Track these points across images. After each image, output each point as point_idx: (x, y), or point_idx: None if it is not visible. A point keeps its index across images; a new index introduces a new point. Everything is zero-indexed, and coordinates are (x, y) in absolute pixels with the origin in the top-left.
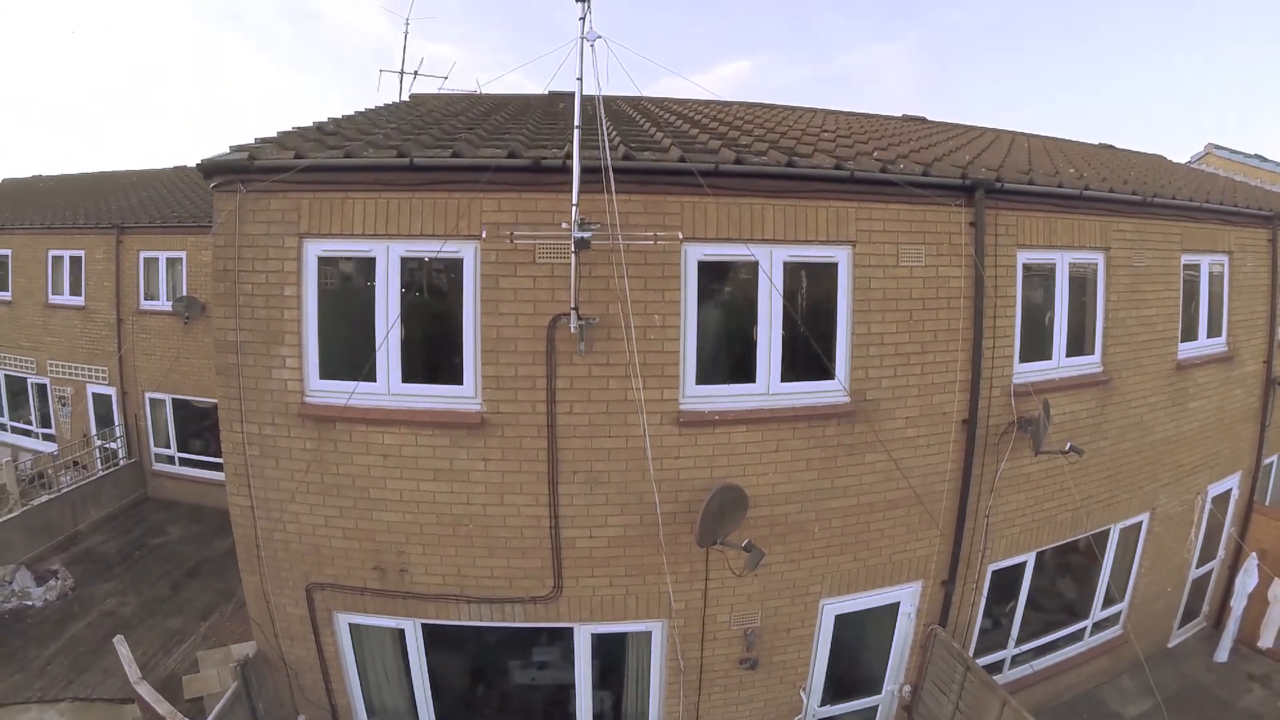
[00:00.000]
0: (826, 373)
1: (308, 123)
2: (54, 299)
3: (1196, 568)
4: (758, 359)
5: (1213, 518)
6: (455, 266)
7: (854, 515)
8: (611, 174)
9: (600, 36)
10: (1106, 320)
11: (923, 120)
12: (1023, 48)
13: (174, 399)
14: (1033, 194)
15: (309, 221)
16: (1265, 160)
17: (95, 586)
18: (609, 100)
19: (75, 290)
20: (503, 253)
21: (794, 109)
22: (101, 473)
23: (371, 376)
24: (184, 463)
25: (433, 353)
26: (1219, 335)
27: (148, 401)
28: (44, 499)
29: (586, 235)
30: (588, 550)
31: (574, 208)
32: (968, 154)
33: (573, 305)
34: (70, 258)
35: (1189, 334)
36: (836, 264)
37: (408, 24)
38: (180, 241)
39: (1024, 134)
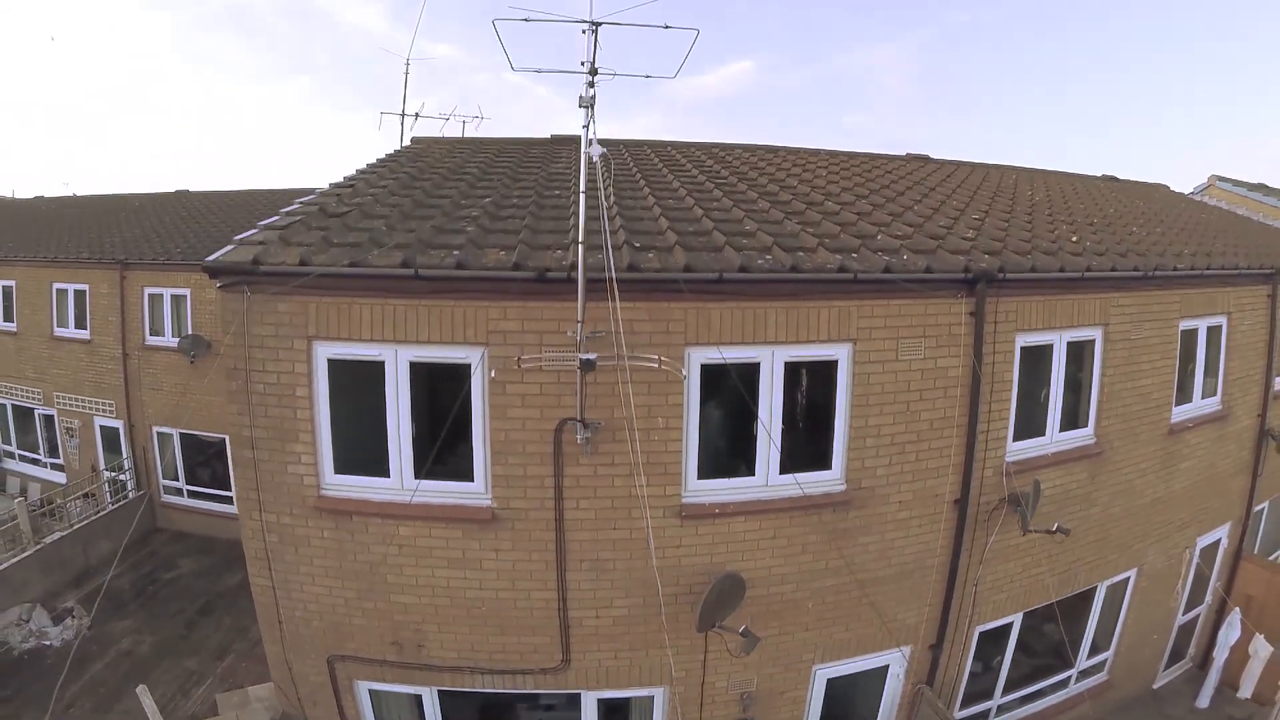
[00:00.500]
0: (824, 463)
1: (317, 179)
2: (59, 331)
3: (1183, 614)
4: (757, 453)
5: (1204, 558)
6: (464, 371)
7: (846, 591)
8: (616, 285)
9: (604, 151)
10: (1101, 393)
11: (925, 159)
12: (1022, 49)
13: (181, 433)
14: (1035, 281)
15: (317, 325)
16: (1269, 192)
17: (111, 625)
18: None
19: (80, 324)
20: (510, 359)
21: (795, 151)
22: (112, 506)
23: (385, 473)
24: (193, 495)
25: (444, 450)
26: (1214, 395)
27: (155, 435)
28: (56, 536)
29: (592, 358)
30: (594, 628)
31: (580, 325)
32: (971, 224)
33: (579, 419)
34: (74, 291)
35: (1184, 396)
36: (836, 361)
37: (408, 64)
38: (184, 279)
39: (1026, 170)
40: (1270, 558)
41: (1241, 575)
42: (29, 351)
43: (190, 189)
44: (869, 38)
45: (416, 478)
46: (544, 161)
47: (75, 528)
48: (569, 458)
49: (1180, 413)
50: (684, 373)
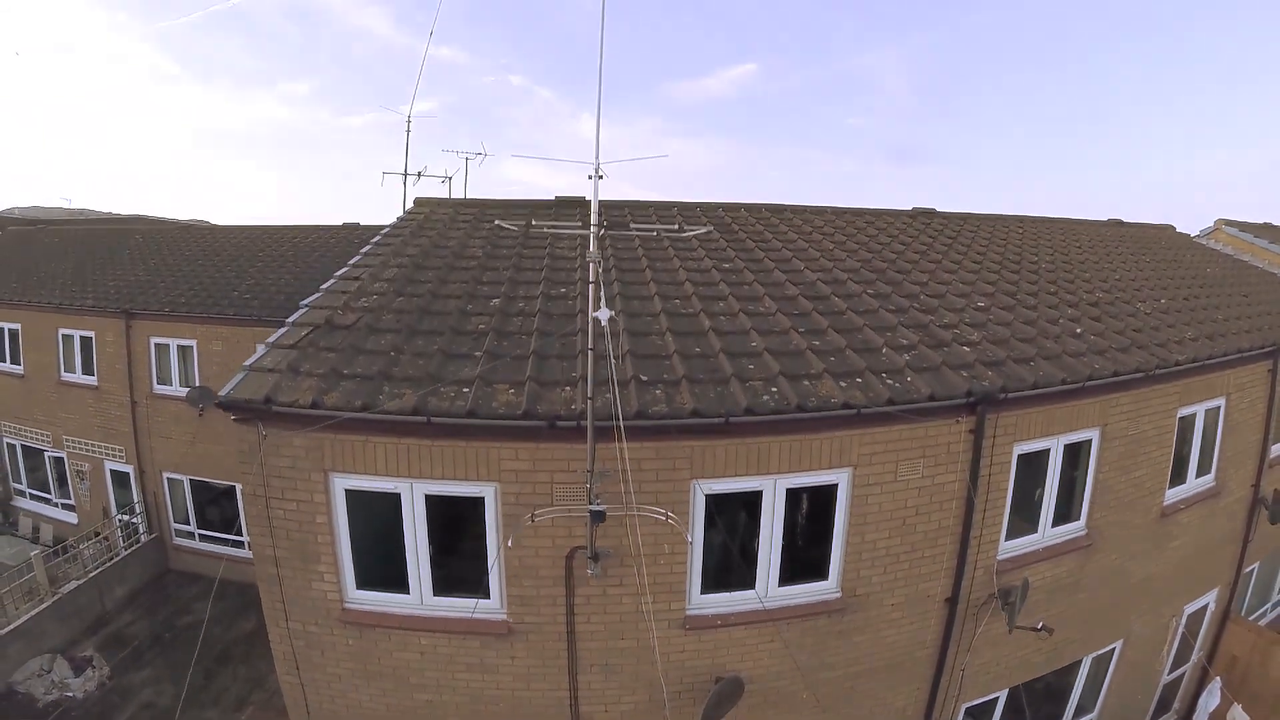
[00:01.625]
0: (821, 573)
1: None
2: (66, 376)
3: (1169, 673)
4: (758, 569)
5: (1191, 622)
6: (478, 502)
7: (840, 683)
8: (624, 431)
9: (612, 314)
10: (1095, 488)
11: (930, 215)
12: (1023, 51)
13: (192, 480)
14: (1035, 397)
15: (333, 460)
16: (1275, 239)
17: (131, 675)
18: (608, 208)
19: (88, 370)
20: (523, 495)
21: (801, 212)
22: (125, 551)
23: (405, 589)
24: (204, 538)
25: (461, 569)
26: (1208, 472)
27: (166, 481)
28: (72, 585)
29: (602, 509)
30: None
31: (590, 475)
32: (975, 317)
33: (590, 554)
34: (80, 337)
35: (1177, 477)
36: (836, 485)
37: (409, 122)
38: (190, 330)
39: (1031, 221)
40: (1260, 610)
41: (1227, 636)
42: (37, 394)
43: (200, 219)
44: (871, 41)
45: (435, 595)
46: (550, 241)
47: (91, 575)
48: (580, 579)
49: (1173, 495)
50: (689, 534)
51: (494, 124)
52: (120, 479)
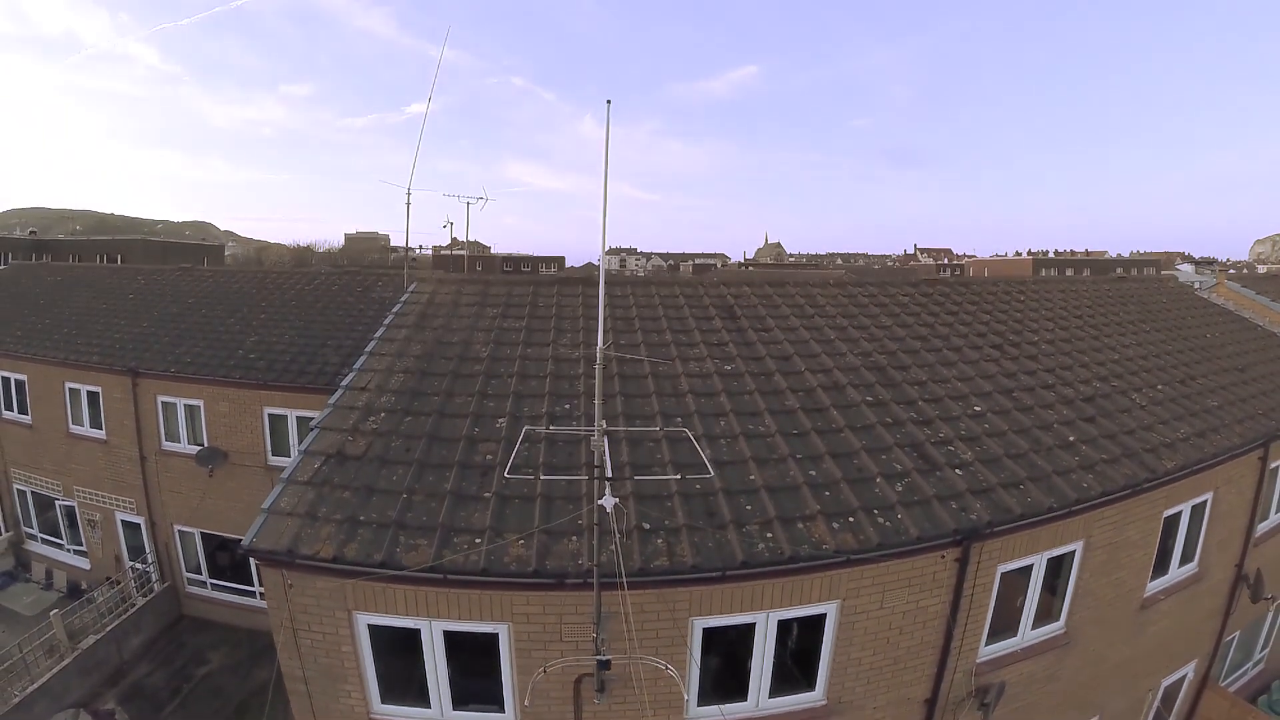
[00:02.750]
0: (809, 684)
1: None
2: (75, 429)
3: None
4: (750, 683)
5: (1169, 690)
6: (493, 637)
7: None
8: (627, 583)
9: (616, 501)
10: (1076, 592)
11: (934, 283)
12: (1024, 54)
13: (203, 532)
14: (1023, 525)
15: (355, 600)
16: (1277, 297)
17: None
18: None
19: (96, 424)
20: (534, 632)
21: (803, 285)
22: (140, 602)
23: (427, 704)
24: (216, 587)
25: (478, 685)
26: (1191, 561)
27: (177, 533)
28: (91, 639)
29: (608, 659)
30: None
31: (596, 627)
32: (968, 430)
33: (597, 688)
34: (87, 392)
35: (1160, 569)
36: (825, 615)
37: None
38: (196, 390)
39: (1033, 284)
40: (1243, 668)
41: (1204, 703)
42: (46, 445)
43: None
44: (874, 43)
45: (455, 709)
46: (554, 333)
47: (109, 628)
48: (587, 700)
49: (1155, 586)
50: (688, 660)
51: (496, 125)
52: (131, 528)
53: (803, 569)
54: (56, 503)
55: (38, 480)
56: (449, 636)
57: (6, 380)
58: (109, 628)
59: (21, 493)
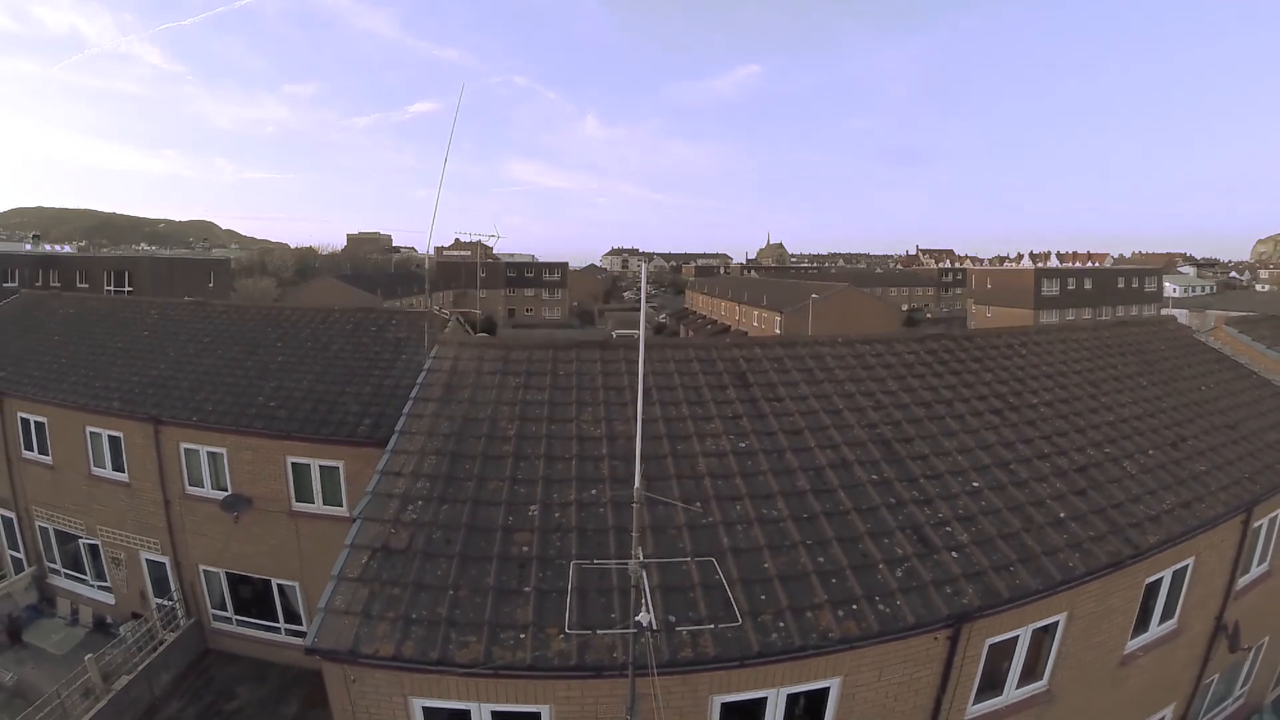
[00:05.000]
0: None
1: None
2: (97, 471)
3: None
4: None
5: None
6: (536, 715)
7: None
8: (656, 671)
9: (650, 618)
10: (1058, 655)
11: (939, 338)
12: (1024, 54)
13: (228, 573)
14: (1010, 607)
15: (411, 688)
16: (1273, 344)
17: None
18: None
19: (118, 467)
20: (573, 712)
21: (811, 345)
22: (169, 639)
23: None
24: (241, 623)
25: None
26: (1171, 618)
27: (202, 573)
28: (125, 680)
29: None
30: None
31: (629, 711)
32: (964, 509)
33: None
34: (109, 436)
35: (1140, 627)
36: (829, 689)
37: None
38: (219, 439)
39: (1035, 334)
40: (1222, 704)
41: None
42: (68, 485)
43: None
44: (875, 43)
45: None
46: (576, 407)
47: (140, 668)
48: None
49: (1135, 643)
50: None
51: (499, 124)
52: (156, 568)
53: (811, 646)
54: (80, 540)
55: (60, 519)
56: (495, 715)
57: (26, 421)
58: (140, 666)
59: (44, 529)
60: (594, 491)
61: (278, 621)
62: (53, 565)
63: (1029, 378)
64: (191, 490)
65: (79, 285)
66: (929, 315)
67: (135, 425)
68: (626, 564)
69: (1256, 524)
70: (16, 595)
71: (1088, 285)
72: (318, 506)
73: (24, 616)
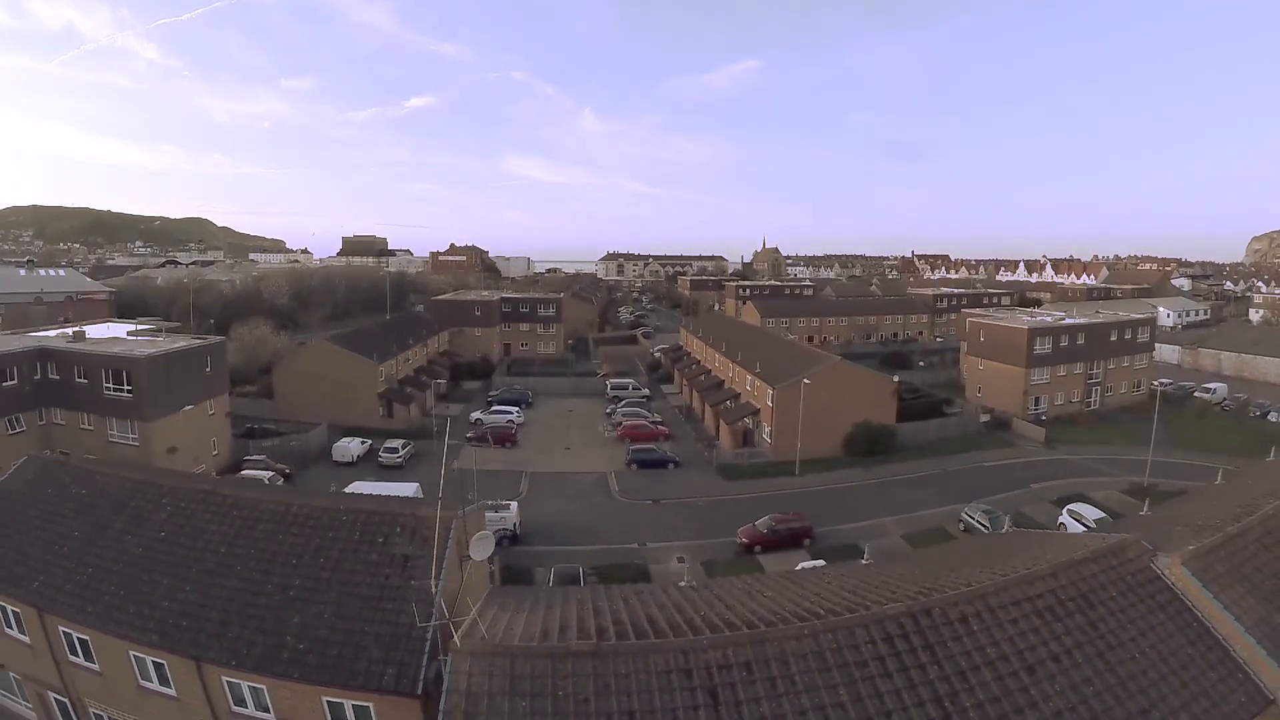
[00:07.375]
0: None
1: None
2: (144, 684)
3: None
4: None
5: None
6: None
7: None
8: None
9: None
10: None
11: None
12: (1024, 52)
13: None
14: None
15: None
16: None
17: None
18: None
19: (164, 683)
20: None
21: (779, 633)
22: None
23: None
24: None
25: None
26: None
27: None
28: None
29: None
30: None
31: None
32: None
33: None
34: (153, 661)
35: None
36: None
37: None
38: (258, 679)
39: (999, 603)
40: None
41: None
42: (118, 691)
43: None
44: (873, 38)
45: None
46: None
47: None
48: None
49: None
50: None
51: (496, 119)
52: None
53: None
54: None
55: (115, 713)
56: None
57: (69, 635)
58: None
59: (99, 715)
60: None
61: None
62: None
63: (969, 668)
64: (237, 709)
65: (78, 380)
66: (921, 353)
67: (178, 660)
68: None
69: None
70: None
71: (1080, 341)
72: None
73: None
